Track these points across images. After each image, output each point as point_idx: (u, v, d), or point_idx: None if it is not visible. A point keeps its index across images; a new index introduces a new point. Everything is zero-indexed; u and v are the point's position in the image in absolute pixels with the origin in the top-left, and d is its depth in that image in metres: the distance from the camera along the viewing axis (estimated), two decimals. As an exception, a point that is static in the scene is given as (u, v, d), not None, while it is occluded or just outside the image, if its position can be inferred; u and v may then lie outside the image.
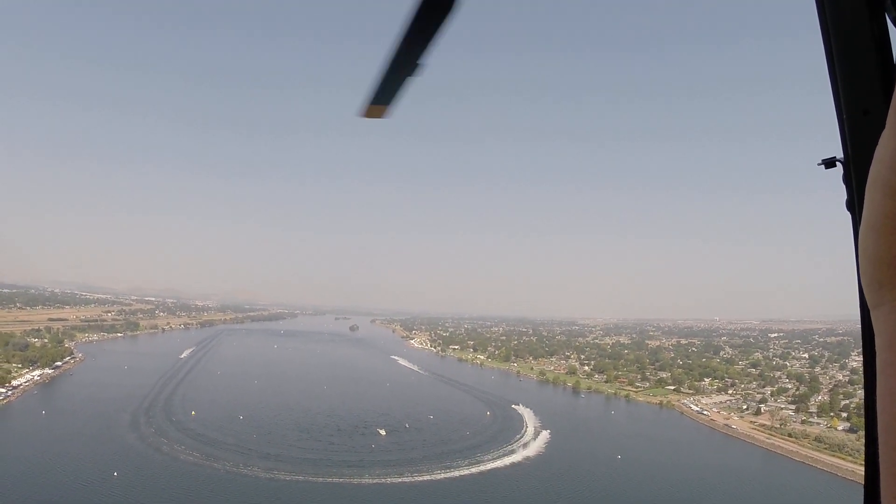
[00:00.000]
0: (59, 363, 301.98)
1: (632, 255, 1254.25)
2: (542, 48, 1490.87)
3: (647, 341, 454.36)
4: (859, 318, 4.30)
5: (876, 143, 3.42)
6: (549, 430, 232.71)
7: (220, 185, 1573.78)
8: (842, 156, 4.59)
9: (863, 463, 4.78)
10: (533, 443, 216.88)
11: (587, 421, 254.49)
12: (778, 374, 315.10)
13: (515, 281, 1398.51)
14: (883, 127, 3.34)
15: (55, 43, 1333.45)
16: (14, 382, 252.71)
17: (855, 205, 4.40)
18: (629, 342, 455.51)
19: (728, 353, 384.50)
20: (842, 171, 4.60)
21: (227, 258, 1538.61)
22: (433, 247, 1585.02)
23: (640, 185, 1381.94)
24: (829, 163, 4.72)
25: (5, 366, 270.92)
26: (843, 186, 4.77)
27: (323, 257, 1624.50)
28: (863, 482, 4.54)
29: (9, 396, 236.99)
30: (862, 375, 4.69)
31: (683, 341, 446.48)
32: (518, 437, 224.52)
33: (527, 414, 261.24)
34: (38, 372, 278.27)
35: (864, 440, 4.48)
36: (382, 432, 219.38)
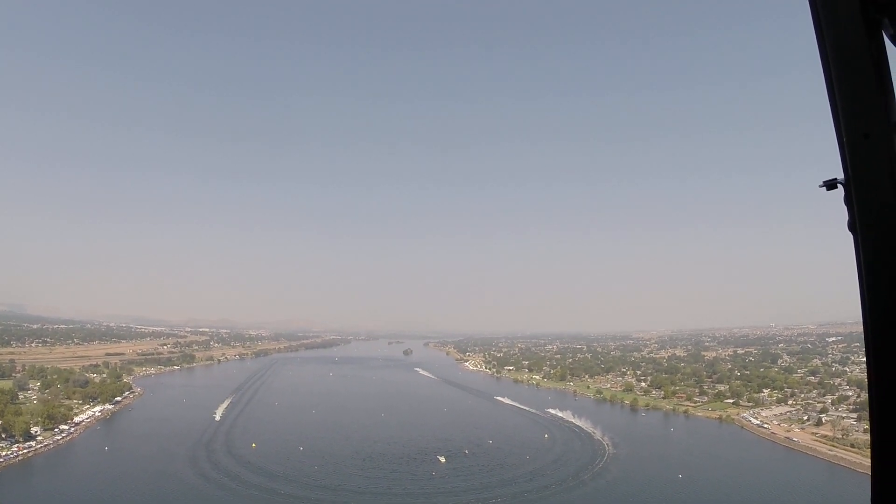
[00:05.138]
0: (118, 398, 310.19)
1: (683, 264, 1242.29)
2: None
3: (703, 353, 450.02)
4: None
5: (876, 166, 4.07)
6: (607, 453, 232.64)
7: (268, 213, 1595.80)
8: (843, 177, 4.69)
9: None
10: (592, 465, 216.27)
11: (647, 440, 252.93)
12: (838, 380, 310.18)
13: (567, 296, 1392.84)
14: (883, 149, 3.98)
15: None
16: (76, 419, 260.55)
17: (857, 226, 4.48)
18: (685, 354, 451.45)
19: (786, 360, 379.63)
20: (843, 193, 4.69)
21: (278, 287, 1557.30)
22: (483, 266, 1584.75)
23: (690, 195, 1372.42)
24: (831, 185, 4.85)
25: (67, 402, 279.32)
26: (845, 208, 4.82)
27: (373, 282, 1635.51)
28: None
29: (72, 433, 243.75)
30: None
31: (740, 351, 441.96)
32: (577, 459, 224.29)
33: (584, 435, 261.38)
34: (98, 408, 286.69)
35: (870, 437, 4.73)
36: (442, 459, 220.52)
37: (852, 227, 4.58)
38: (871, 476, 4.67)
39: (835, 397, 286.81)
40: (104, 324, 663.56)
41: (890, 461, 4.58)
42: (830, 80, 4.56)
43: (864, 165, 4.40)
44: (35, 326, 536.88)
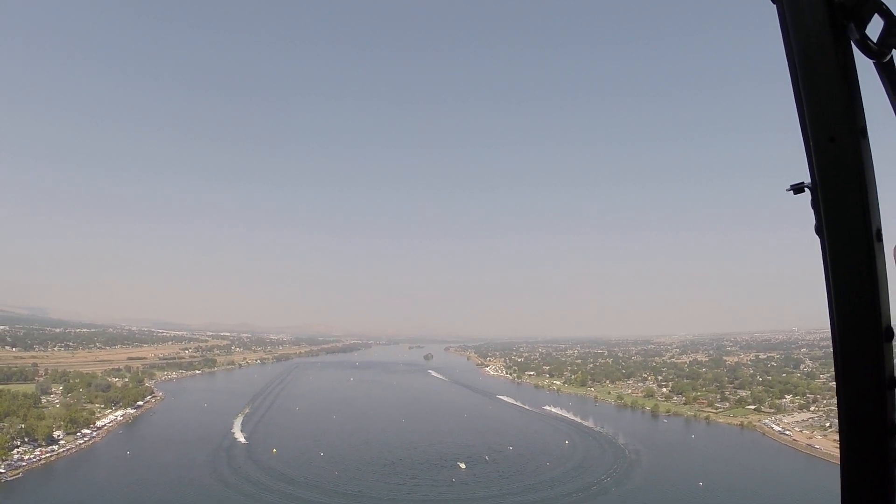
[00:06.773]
0: (140, 402, 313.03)
1: (705, 267, 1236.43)
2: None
3: (724, 357, 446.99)
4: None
5: (842, 170, 4.21)
6: (628, 460, 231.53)
7: (289, 216, 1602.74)
8: (810, 181, 4.72)
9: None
10: (613, 472, 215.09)
11: (667, 447, 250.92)
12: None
13: (588, 300, 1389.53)
14: (849, 153, 4.10)
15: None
16: (98, 423, 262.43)
17: (824, 230, 4.53)
18: (707, 359, 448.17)
19: (808, 366, 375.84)
20: (810, 197, 4.74)
21: (299, 291, 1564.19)
22: (504, 271, 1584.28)
23: (711, 200, 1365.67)
24: (798, 188, 4.87)
25: (89, 406, 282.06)
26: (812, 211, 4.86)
27: (394, 286, 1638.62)
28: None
29: (94, 437, 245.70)
30: None
31: (762, 355, 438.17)
32: (598, 466, 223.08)
33: (605, 441, 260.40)
34: (120, 412, 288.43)
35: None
36: (462, 465, 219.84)
37: (819, 230, 4.66)
38: (840, 470, 4.85)
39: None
40: (126, 328, 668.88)
41: (856, 458, 4.70)
42: (797, 84, 4.63)
43: (830, 169, 4.49)
44: (57, 331, 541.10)
